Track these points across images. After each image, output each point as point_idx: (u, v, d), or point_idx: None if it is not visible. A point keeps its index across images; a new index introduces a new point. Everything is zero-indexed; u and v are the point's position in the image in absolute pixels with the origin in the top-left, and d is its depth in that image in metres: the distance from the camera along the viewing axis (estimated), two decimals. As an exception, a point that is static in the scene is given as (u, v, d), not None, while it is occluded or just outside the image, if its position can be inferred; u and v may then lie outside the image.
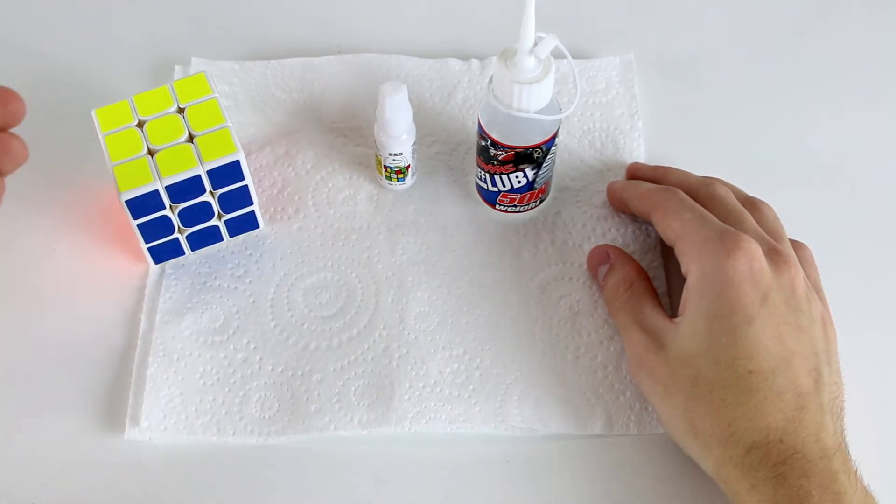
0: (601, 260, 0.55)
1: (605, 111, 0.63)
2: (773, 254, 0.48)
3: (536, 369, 0.53)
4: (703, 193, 0.53)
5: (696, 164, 0.59)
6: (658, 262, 0.56)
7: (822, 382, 0.46)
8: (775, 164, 0.61)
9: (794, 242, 0.52)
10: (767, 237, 0.49)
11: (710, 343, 0.46)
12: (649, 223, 0.55)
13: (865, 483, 0.44)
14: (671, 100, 0.64)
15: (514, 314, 0.55)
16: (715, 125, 0.63)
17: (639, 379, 0.50)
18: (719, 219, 0.50)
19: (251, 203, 0.55)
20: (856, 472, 0.44)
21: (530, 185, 0.56)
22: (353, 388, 0.52)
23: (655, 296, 0.52)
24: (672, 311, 0.54)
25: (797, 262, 0.48)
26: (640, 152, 0.61)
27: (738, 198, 0.53)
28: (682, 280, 0.50)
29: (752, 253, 0.47)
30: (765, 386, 0.45)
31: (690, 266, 0.48)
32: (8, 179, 0.62)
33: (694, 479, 0.49)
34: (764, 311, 0.46)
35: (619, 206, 0.57)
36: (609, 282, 0.53)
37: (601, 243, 0.56)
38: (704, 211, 0.50)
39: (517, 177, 0.55)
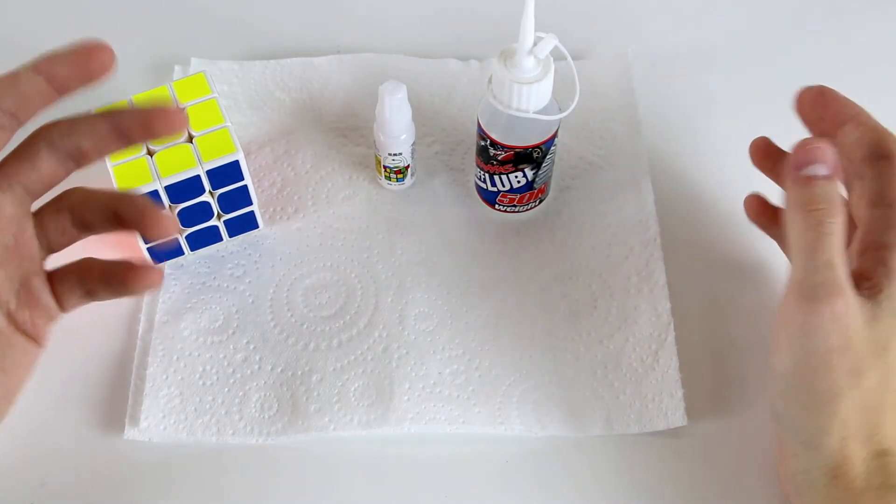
0: (832, 163, 0.43)
1: (604, 109, 0.63)
2: None
3: (536, 369, 0.53)
4: None
5: (695, 160, 0.59)
6: (658, 254, 0.56)
7: None
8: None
9: None
10: None
11: None
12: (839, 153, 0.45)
13: None
14: (671, 95, 0.64)
15: (513, 314, 0.55)
16: (714, 120, 0.63)
17: (816, 322, 0.42)
18: None
19: (251, 203, 0.55)
20: None
21: (530, 185, 0.56)
22: (352, 389, 0.52)
23: None
24: None
25: None
26: (640, 148, 0.61)
27: None
28: None
29: None
30: None
31: None
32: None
33: (694, 479, 0.49)
34: None
35: (817, 113, 0.48)
36: (831, 189, 0.43)
37: (604, 236, 0.56)
38: None
39: (517, 177, 0.55)
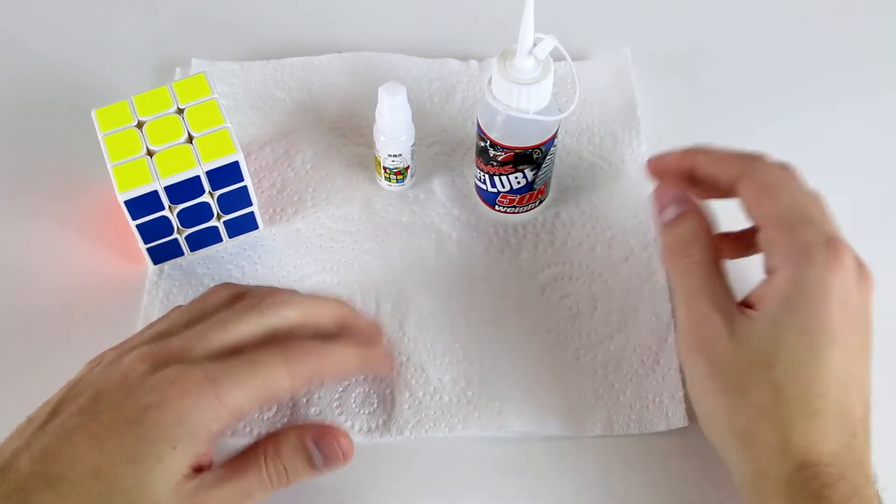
0: (675, 199, 0.48)
1: (604, 108, 0.63)
2: (860, 269, 0.44)
3: (536, 370, 0.53)
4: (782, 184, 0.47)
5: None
6: (658, 255, 0.56)
7: (869, 409, 0.45)
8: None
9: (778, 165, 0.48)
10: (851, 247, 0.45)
11: (792, 355, 0.43)
12: (709, 192, 0.49)
13: None
14: (671, 96, 0.64)
15: (513, 315, 0.55)
16: (714, 120, 0.63)
17: (693, 361, 0.46)
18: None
19: (250, 204, 0.55)
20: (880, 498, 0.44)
21: (530, 186, 0.56)
22: (353, 395, 0.52)
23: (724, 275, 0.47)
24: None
25: (873, 278, 0.45)
26: (639, 145, 0.61)
27: None
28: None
29: (852, 271, 0.44)
30: (829, 412, 0.43)
31: (784, 265, 0.44)
32: (6, 178, 0.62)
33: (695, 479, 0.49)
34: (845, 334, 0.43)
35: (675, 170, 0.50)
36: (682, 228, 0.47)
37: (604, 237, 0.56)
38: (806, 202, 0.45)
39: (516, 177, 0.55)
